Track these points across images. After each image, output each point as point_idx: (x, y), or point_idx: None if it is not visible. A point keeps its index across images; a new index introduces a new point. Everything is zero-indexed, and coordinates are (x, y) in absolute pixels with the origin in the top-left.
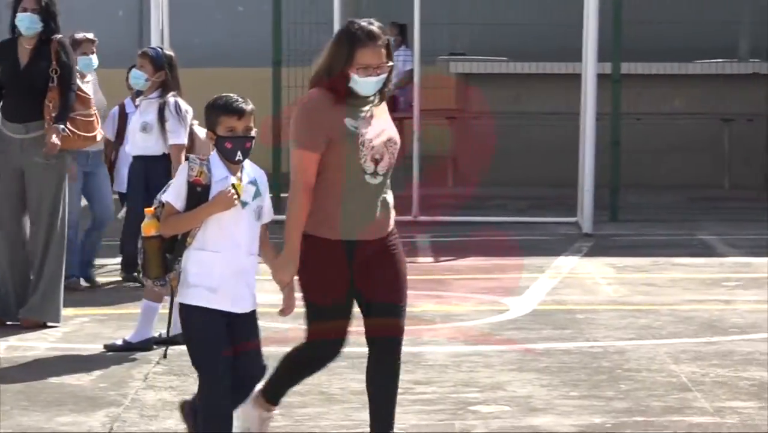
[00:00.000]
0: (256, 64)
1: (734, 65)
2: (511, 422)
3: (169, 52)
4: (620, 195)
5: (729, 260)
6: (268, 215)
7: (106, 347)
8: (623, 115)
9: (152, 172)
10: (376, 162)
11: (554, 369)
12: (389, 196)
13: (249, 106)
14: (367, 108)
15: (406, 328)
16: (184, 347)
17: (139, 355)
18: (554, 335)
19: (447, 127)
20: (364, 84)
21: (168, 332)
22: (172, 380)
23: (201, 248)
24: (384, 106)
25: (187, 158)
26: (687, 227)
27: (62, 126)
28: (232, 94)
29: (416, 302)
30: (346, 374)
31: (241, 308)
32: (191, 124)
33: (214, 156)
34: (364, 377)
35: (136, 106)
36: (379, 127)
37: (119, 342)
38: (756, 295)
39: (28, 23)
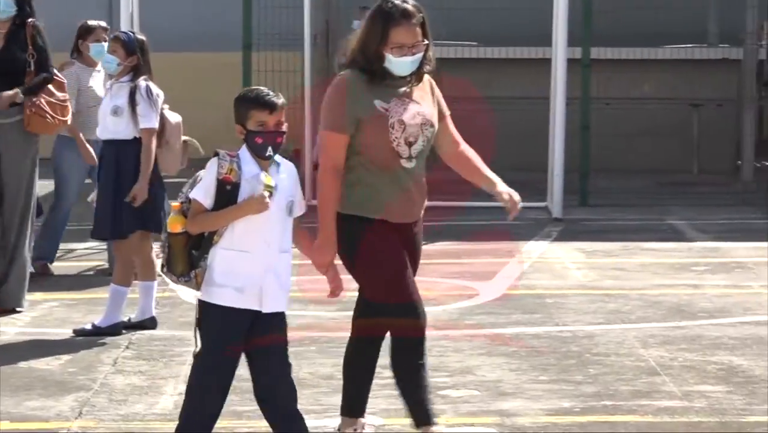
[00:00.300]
0: (226, 49)
1: (703, 50)
2: (480, 406)
3: (140, 36)
4: (590, 180)
5: (698, 245)
6: (300, 209)
7: (75, 331)
8: (593, 100)
9: (123, 156)
10: (410, 145)
11: (523, 354)
12: (424, 180)
13: (280, 100)
14: (403, 89)
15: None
16: (152, 332)
17: (108, 339)
18: (523, 319)
19: None
20: (398, 64)
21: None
22: (141, 364)
23: (229, 247)
24: (426, 86)
25: (216, 154)
26: (656, 212)
27: (23, 95)
28: (262, 88)
29: None
30: (315, 359)
31: (270, 307)
32: (162, 109)
33: (243, 152)
34: (331, 361)
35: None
36: (415, 109)
37: (88, 327)
38: (724, 279)
39: (2, 6)
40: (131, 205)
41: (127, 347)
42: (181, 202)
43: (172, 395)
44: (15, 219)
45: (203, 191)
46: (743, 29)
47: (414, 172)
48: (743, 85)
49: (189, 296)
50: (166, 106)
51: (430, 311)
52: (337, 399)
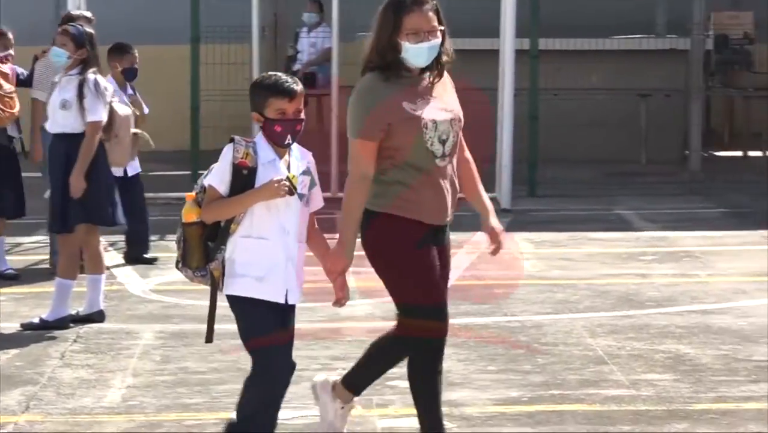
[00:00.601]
0: (174, 41)
1: (651, 41)
2: None
3: (89, 29)
4: (538, 170)
5: (645, 234)
6: (318, 202)
7: (22, 325)
8: (541, 91)
9: (73, 150)
10: (443, 143)
11: (472, 344)
12: (456, 178)
13: (299, 87)
14: (423, 85)
15: (323, 304)
16: (100, 326)
17: (56, 333)
18: (472, 310)
19: None
20: (416, 52)
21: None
22: (89, 358)
23: (247, 235)
24: (446, 81)
25: (232, 140)
26: (604, 202)
27: None
28: (279, 74)
29: None
30: None
31: (292, 299)
32: (111, 102)
33: (260, 138)
34: None
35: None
36: (441, 106)
37: (36, 320)
38: (672, 268)
39: None
40: (77, 198)
41: (75, 341)
42: (196, 193)
43: (119, 388)
44: None
45: (218, 177)
46: (690, 20)
47: (447, 171)
48: (690, 75)
49: (137, 289)
50: (115, 99)
51: (378, 302)
52: (292, 391)
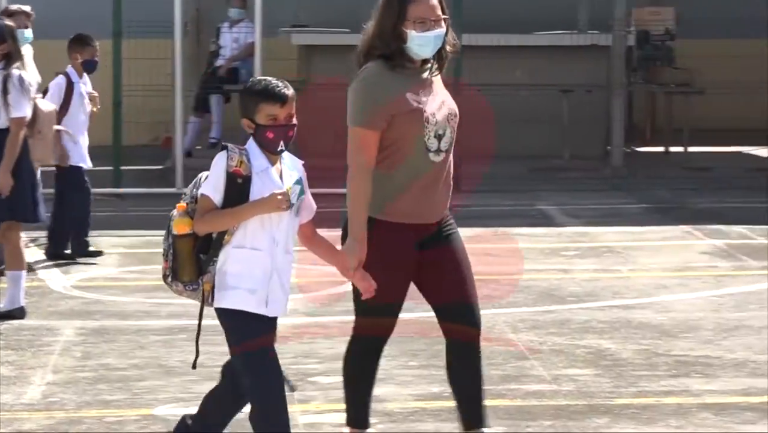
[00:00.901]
0: (96, 35)
1: (573, 37)
2: None
3: (10, 23)
4: (461, 166)
5: (567, 230)
6: (309, 211)
7: None
8: (464, 87)
9: None
10: (440, 138)
11: (394, 339)
12: (451, 173)
13: (290, 91)
14: (425, 77)
15: None
16: (21, 322)
17: None
18: None
19: None
20: (421, 41)
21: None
22: (9, 354)
23: (240, 246)
24: (439, 77)
25: (225, 147)
26: (527, 198)
27: None
28: (270, 78)
29: None
30: (185, 347)
31: (273, 311)
32: (35, 98)
33: (251, 145)
34: (203, 348)
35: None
36: (440, 100)
37: None
38: (593, 264)
39: None
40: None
41: None
42: (187, 203)
43: (39, 385)
44: None
45: (212, 186)
46: (612, 16)
47: (442, 167)
48: (612, 71)
49: (58, 285)
50: (39, 95)
51: (302, 298)
52: (206, 387)
